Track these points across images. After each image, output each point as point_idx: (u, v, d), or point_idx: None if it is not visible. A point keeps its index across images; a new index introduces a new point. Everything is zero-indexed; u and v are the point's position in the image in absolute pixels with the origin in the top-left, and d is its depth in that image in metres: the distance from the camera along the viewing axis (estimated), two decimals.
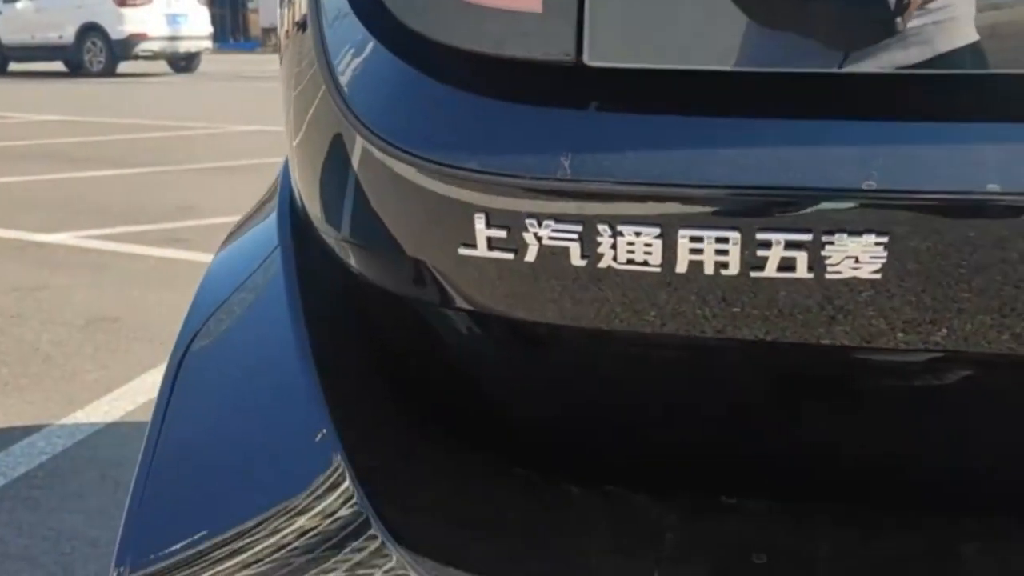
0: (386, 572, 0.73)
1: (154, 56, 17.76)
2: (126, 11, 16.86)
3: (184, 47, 17.80)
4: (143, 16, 16.89)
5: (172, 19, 17.21)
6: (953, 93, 0.66)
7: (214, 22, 19.16)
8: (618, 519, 0.78)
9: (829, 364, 0.72)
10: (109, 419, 2.84)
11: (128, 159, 7.93)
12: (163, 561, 0.76)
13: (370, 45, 0.73)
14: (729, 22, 0.68)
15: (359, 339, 0.89)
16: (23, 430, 2.76)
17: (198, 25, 17.80)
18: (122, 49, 17.13)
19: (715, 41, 0.69)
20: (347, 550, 0.74)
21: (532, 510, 0.81)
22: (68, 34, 16.96)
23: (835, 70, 0.67)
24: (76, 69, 17.30)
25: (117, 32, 16.90)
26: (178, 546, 0.76)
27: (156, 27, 16.96)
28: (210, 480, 0.81)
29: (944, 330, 0.67)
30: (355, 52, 0.74)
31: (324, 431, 0.78)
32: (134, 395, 2.98)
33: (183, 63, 18.24)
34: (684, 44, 0.69)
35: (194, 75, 17.85)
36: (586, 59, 0.69)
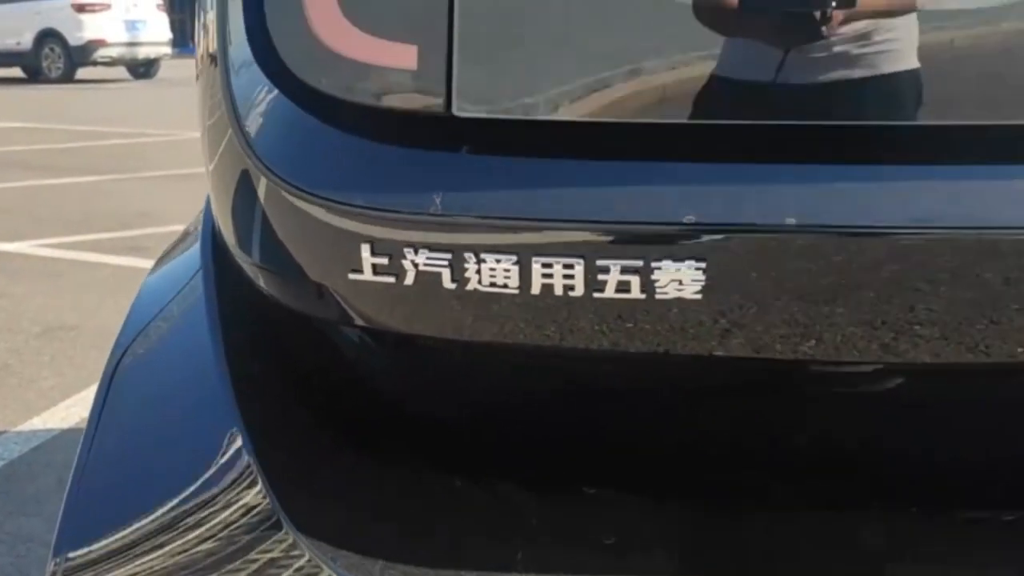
0: (297, 570, 0.85)
1: (113, 62, 17.65)
2: (84, 17, 16.76)
3: (143, 53, 17.77)
4: (101, 22, 16.79)
5: (131, 25, 17.12)
6: (755, 139, 0.80)
7: (173, 27, 19.06)
8: (492, 507, 0.91)
9: (664, 368, 0.85)
10: (65, 425, 2.92)
11: (86, 167, 7.98)
12: (93, 554, 0.88)
13: (271, 94, 0.85)
14: (569, 82, 0.81)
15: (272, 352, 1.01)
16: None
17: (157, 31, 17.71)
18: (80, 55, 17.09)
19: (561, 95, 0.82)
20: (260, 548, 0.86)
21: (426, 502, 0.93)
22: (26, 40, 16.89)
23: (658, 120, 0.80)
24: (34, 75, 17.24)
25: (75, 38, 16.78)
26: (106, 541, 0.88)
27: (115, 33, 16.87)
28: (135, 482, 0.92)
29: (754, 340, 0.81)
30: (257, 99, 0.86)
31: (238, 437, 0.90)
32: (90, 402, 3.02)
33: (142, 69, 18.21)
34: (536, 98, 0.82)
35: (153, 81, 17.82)
36: (454, 110, 0.82)
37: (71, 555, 0.85)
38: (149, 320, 1.03)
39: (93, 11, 16.92)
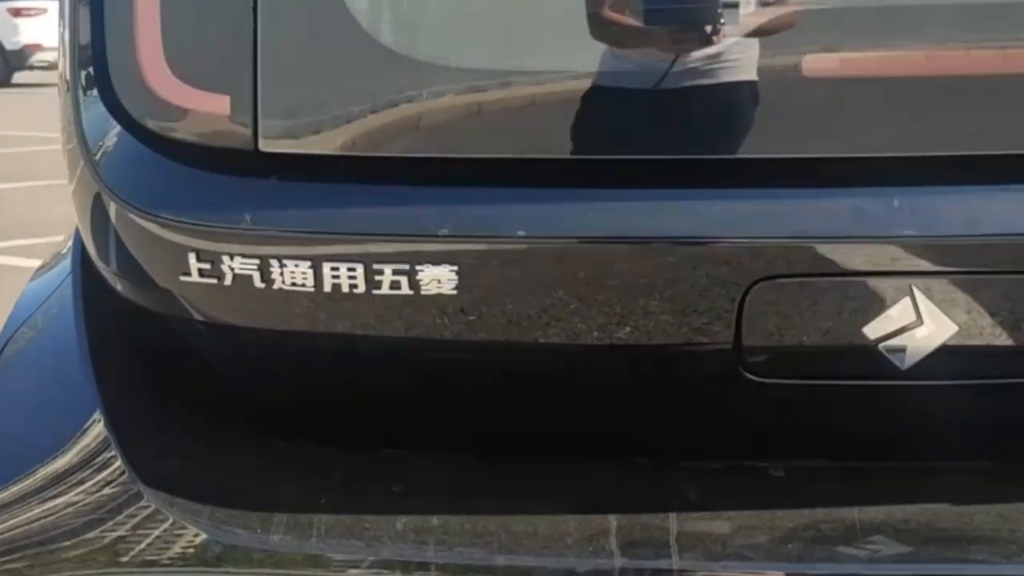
0: (163, 532, 1.07)
1: (50, 66, 17.48)
2: (20, 22, 16.67)
3: None
4: (38, 27, 16.69)
5: None
6: (490, 168, 1.04)
7: None
8: (304, 464, 1.15)
9: (441, 351, 1.09)
10: None
11: (23, 173, 8.03)
12: None
13: (114, 129, 1.08)
14: (347, 125, 1.05)
15: (130, 343, 1.24)
16: None
17: None
18: (17, 60, 17.11)
19: (341, 136, 1.06)
20: (124, 515, 1.08)
21: (252, 463, 1.16)
22: None
23: (413, 154, 1.05)
24: None
25: (12, 43, 16.72)
26: None
27: (51, 38, 16.73)
28: (9, 458, 1.15)
29: (497, 328, 1.05)
30: (103, 132, 1.09)
31: (97, 412, 1.13)
32: None
33: None
34: (323, 137, 1.06)
35: None
36: (260, 146, 1.06)
37: None
38: (27, 317, 1.26)
39: (29, 15, 16.83)
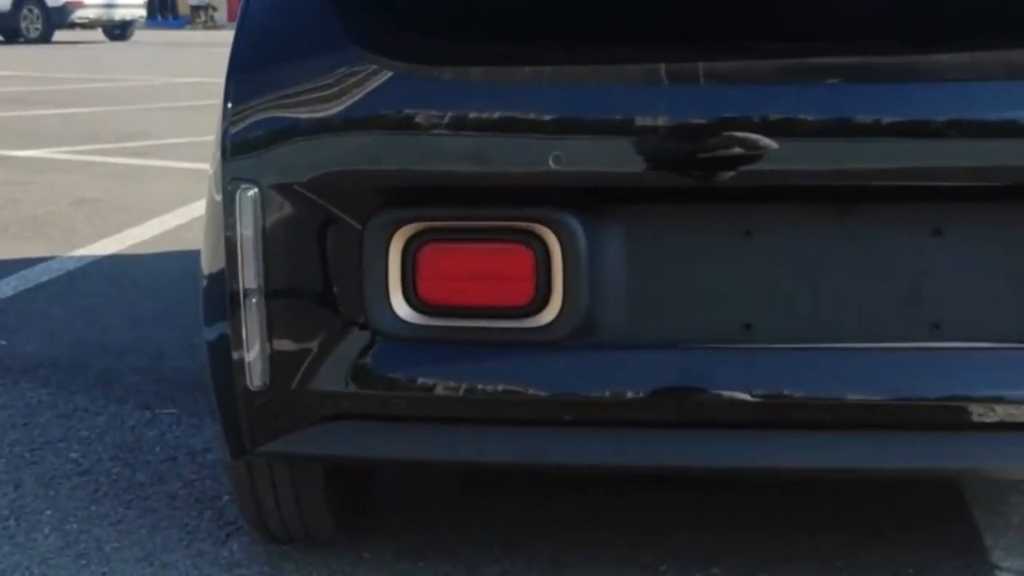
0: None
1: (90, 23, 18.08)
2: None
3: (119, 15, 18.29)
4: None
5: None
6: None
7: None
8: None
9: None
10: (107, 252, 3.84)
11: (80, 101, 8.69)
12: None
13: None
14: None
15: None
16: (41, 259, 3.73)
17: None
18: (59, 16, 17.50)
19: None
20: None
21: None
22: (5, 2, 17.21)
23: None
24: (12, 37, 17.54)
25: (53, 0, 17.42)
26: None
27: None
28: None
29: None
30: None
31: None
32: (124, 241, 4.07)
33: (118, 31, 18.69)
34: None
35: (129, 43, 18.31)
36: None
37: None
38: None
39: None
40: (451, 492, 1.99)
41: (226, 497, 1.96)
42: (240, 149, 1.39)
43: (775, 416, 1.39)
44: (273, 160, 1.39)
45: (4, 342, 2.91)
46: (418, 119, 1.40)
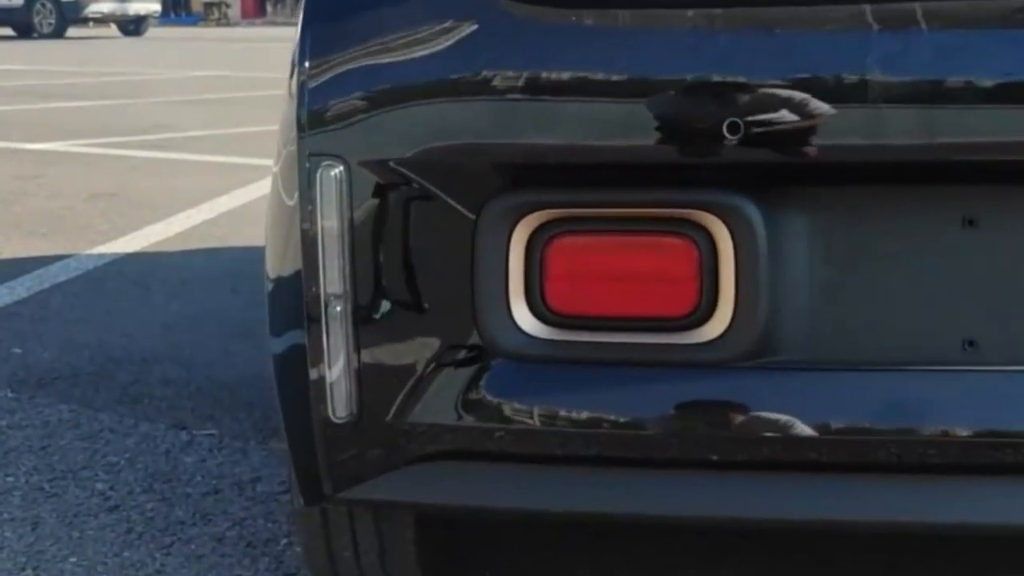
0: None
1: (103, 19, 18.04)
2: None
3: (133, 10, 18.22)
4: None
5: None
6: None
7: None
8: None
9: None
10: (129, 250, 3.60)
11: (98, 94, 8.57)
12: None
13: None
14: None
15: None
16: (56, 257, 3.49)
17: None
18: (72, 11, 17.47)
19: None
20: None
21: None
22: None
23: None
24: (26, 32, 17.52)
25: None
26: None
27: None
28: None
29: None
30: None
31: None
32: (145, 239, 3.80)
33: (132, 27, 18.62)
34: None
35: (143, 39, 18.24)
36: None
37: None
38: None
39: None
40: (552, 539, 1.66)
41: (284, 540, 1.67)
42: (321, 117, 1.11)
43: (1012, 458, 1.10)
44: (364, 131, 1.11)
45: (18, 350, 2.64)
46: (550, 77, 1.09)
